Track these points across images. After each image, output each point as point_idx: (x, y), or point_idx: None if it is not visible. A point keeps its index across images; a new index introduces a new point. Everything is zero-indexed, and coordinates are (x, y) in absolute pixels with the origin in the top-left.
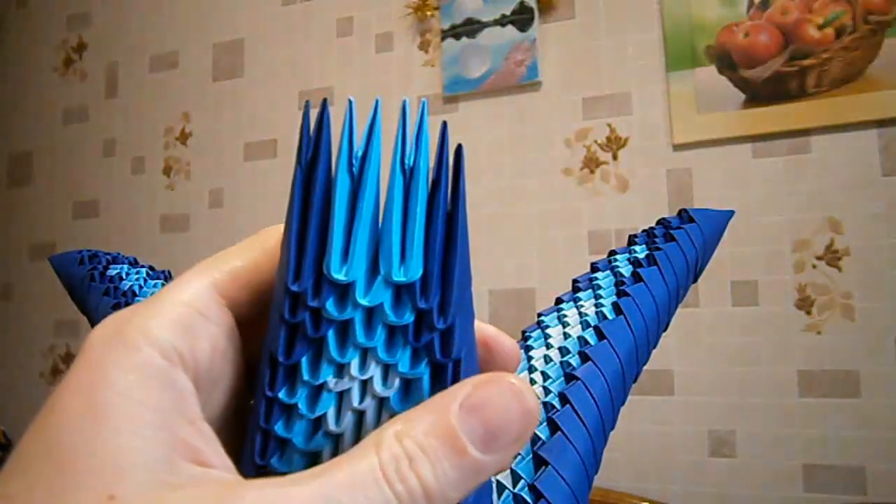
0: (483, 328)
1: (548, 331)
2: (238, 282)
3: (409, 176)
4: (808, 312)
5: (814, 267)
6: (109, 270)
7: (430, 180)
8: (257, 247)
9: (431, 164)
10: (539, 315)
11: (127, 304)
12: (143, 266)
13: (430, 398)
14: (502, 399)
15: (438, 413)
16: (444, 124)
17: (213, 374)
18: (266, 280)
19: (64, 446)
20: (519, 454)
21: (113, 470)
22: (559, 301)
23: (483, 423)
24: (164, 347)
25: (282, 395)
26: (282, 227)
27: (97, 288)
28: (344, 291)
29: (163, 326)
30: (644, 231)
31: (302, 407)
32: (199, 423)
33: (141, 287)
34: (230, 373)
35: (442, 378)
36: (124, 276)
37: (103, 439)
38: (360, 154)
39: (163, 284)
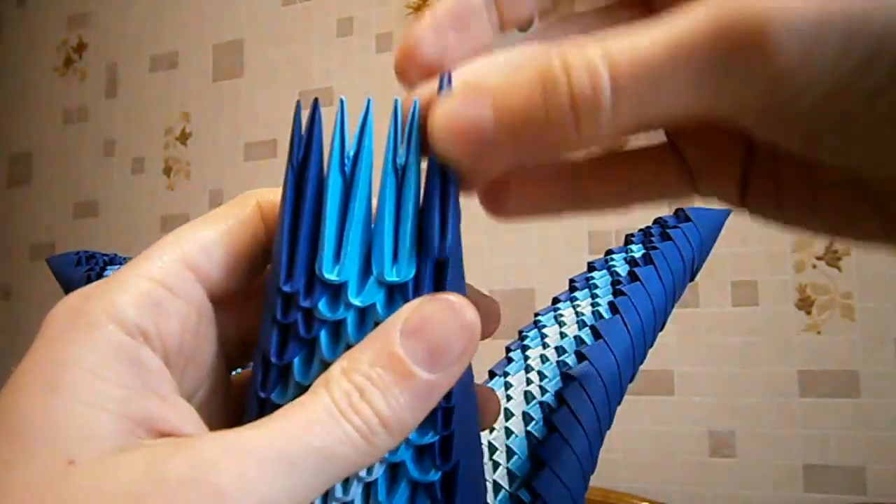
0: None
1: (545, 330)
2: (210, 254)
3: (401, 175)
4: (808, 312)
5: (814, 267)
6: (106, 271)
7: (421, 179)
8: (231, 215)
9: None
10: (536, 315)
11: None
12: None
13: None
14: (440, 316)
15: (381, 342)
16: None
17: (185, 351)
18: (241, 251)
19: (23, 420)
20: (516, 454)
21: (74, 438)
22: (556, 301)
23: (425, 343)
24: (127, 324)
25: (274, 396)
26: (259, 192)
27: None
28: (336, 292)
29: (127, 303)
30: (641, 230)
31: None
32: (173, 398)
33: None
34: (206, 349)
35: None
36: None
37: (64, 411)
38: (352, 154)
39: None
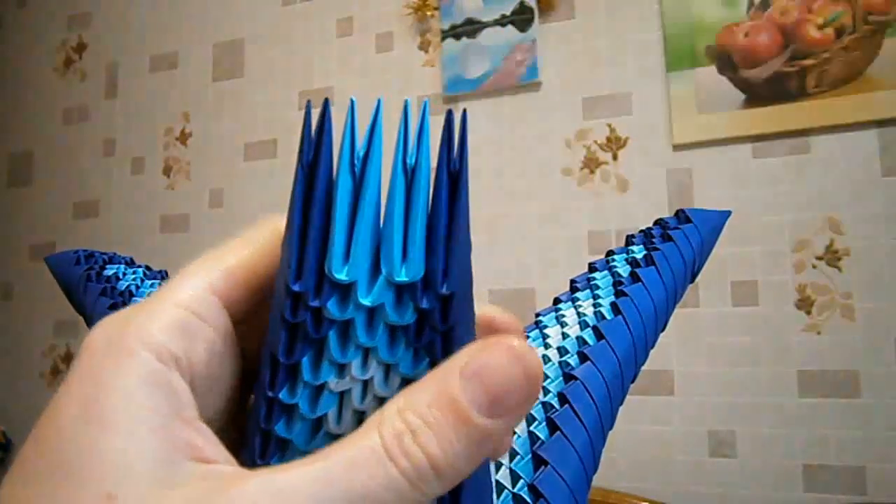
0: (485, 308)
1: (546, 331)
2: (233, 280)
3: (410, 176)
4: (808, 312)
5: (814, 267)
6: (106, 270)
7: (431, 180)
8: (251, 242)
9: (433, 164)
10: (537, 315)
11: (124, 303)
12: (139, 266)
13: (431, 371)
14: (503, 362)
15: (440, 384)
16: (447, 123)
17: (210, 376)
18: (261, 276)
19: (63, 450)
20: (519, 454)
21: (112, 470)
22: (557, 301)
23: (485, 388)
24: (160, 351)
25: (282, 395)
26: (276, 218)
27: (94, 288)
28: (345, 292)
29: (159, 330)
30: (641, 231)
31: (303, 407)
32: (197, 423)
33: (138, 287)
34: (227, 374)
35: None
36: (121, 276)
37: (102, 441)
38: (361, 154)
39: (160, 284)
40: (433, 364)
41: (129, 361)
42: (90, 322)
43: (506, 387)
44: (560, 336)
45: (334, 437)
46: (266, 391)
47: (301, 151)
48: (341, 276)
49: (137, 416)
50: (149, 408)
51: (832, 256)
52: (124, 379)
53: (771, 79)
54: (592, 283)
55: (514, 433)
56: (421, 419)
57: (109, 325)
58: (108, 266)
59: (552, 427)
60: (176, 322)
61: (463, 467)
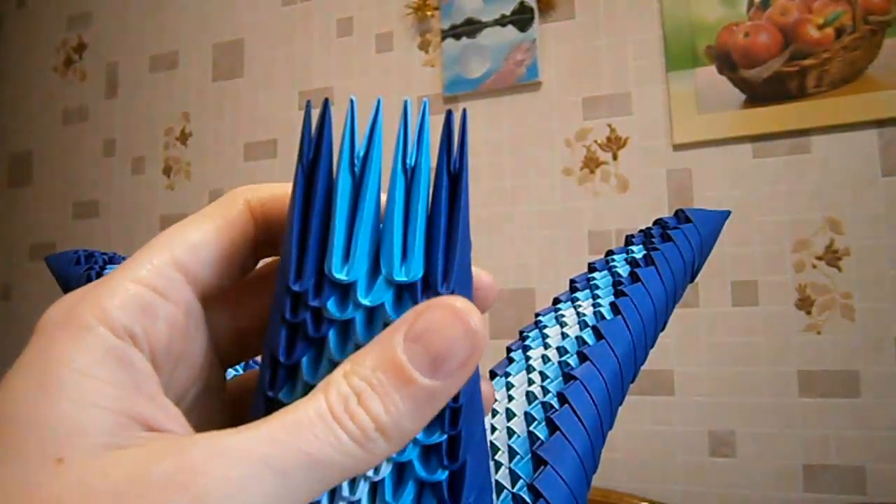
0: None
1: (546, 331)
2: (198, 256)
3: (410, 176)
4: (808, 312)
5: (814, 267)
6: (106, 270)
7: (431, 180)
8: (220, 215)
9: (433, 164)
10: (537, 315)
11: None
12: None
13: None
14: (445, 322)
15: (384, 346)
16: (447, 123)
17: (174, 352)
18: (232, 250)
19: (15, 421)
20: (518, 454)
21: (63, 437)
22: (557, 301)
23: (428, 349)
24: (116, 327)
25: (282, 395)
26: (244, 190)
27: None
28: (345, 291)
29: (116, 307)
30: (641, 231)
31: None
32: (160, 398)
33: None
34: (194, 349)
35: None
36: None
37: (54, 411)
38: (361, 154)
39: None
40: None
41: (85, 336)
42: None
43: (448, 347)
44: (560, 336)
45: None
46: (266, 391)
47: (301, 151)
48: (341, 275)
49: (92, 388)
50: (103, 381)
51: (832, 256)
52: (79, 353)
53: (771, 79)
54: (592, 283)
55: (514, 432)
56: (366, 382)
57: (66, 301)
58: (108, 266)
59: (552, 427)
60: (134, 299)
61: (409, 427)
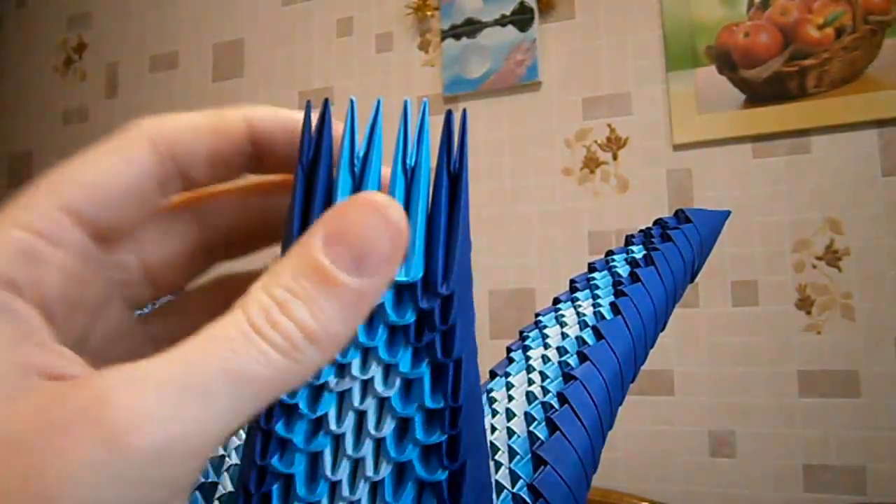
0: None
1: (546, 331)
2: (93, 196)
3: (410, 176)
4: (808, 312)
5: (814, 267)
6: None
7: (431, 180)
8: (117, 151)
9: (433, 164)
10: (537, 315)
11: None
12: None
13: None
14: (363, 218)
15: (302, 252)
16: (447, 123)
17: (70, 299)
18: (133, 189)
19: None
20: (518, 454)
21: None
22: (557, 301)
23: (349, 246)
24: None
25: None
26: (146, 123)
27: None
28: None
29: None
30: (641, 231)
31: (303, 407)
32: (52, 346)
33: None
34: (93, 294)
35: (443, 378)
36: None
37: None
38: (361, 154)
39: None
40: (433, 364)
41: None
42: None
43: (370, 243)
44: (560, 336)
45: (334, 437)
46: None
47: (301, 151)
48: None
49: None
50: None
51: (832, 256)
52: None
53: (771, 79)
54: (592, 283)
55: (514, 432)
56: (287, 291)
57: None
58: None
59: (552, 427)
60: (17, 246)
61: (340, 331)
